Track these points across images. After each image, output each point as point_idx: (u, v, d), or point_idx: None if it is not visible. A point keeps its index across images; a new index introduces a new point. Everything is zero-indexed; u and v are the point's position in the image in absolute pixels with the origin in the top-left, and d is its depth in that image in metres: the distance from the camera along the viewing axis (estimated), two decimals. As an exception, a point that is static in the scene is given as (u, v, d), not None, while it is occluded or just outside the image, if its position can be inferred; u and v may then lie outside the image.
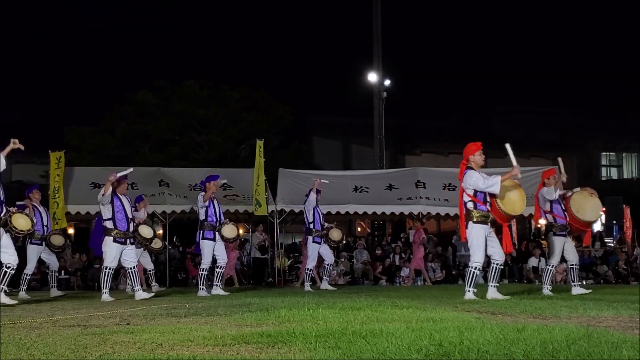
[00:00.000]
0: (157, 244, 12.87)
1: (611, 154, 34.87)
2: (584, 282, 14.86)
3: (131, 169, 10.41)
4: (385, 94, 23.93)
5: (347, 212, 17.39)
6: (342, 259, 18.06)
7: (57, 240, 12.25)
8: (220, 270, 11.11)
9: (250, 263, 18.02)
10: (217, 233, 10.92)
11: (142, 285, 10.46)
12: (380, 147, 24.02)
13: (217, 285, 11.00)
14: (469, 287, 8.00)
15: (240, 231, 13.12)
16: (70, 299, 10.33)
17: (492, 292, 8.01)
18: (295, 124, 30.23)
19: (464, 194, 8.08)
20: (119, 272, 16.93)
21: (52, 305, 8.15)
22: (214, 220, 10.91)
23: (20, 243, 10.57)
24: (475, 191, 8.00)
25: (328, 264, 13.10)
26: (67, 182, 16.31)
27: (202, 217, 10.95)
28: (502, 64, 42.75)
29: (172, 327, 4.79)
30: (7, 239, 8.42)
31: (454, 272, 18.46)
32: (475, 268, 8.00)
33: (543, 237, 18.33)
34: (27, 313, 6.73)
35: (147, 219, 13.02)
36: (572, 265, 9.62)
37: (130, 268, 9.85)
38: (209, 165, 21.96)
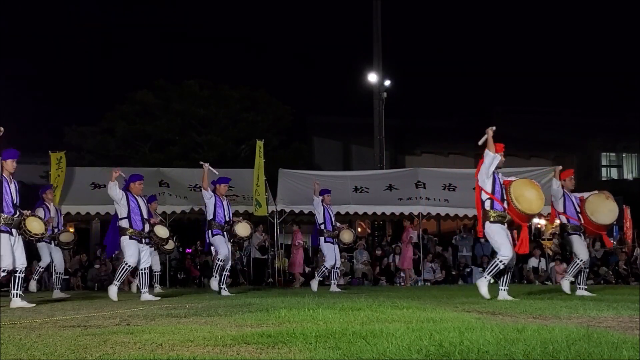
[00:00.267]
0: (169, 245, 12.74)
1: (611, 154, 34.86)
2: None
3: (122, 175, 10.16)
4: (385, 94, 23.94)
5: (347, 213, 17.38)
6: (342, 260, 18.05)
7: (66, 237, 12.27)
8: (226, 270, 10.92)
9: (251, 263, 18.02)
10: (225, 233, 10.85)
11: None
12: (380, 148, 24.02)
13: (222, 287, 10.85)
14: (487, 275, 8.11)
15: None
16: (70, 300, 10.34)
17: (503, 295, 8.00)
18: (295, 124, 30.20)
19: (482, 192, 8.08)
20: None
21: (52, 306, 8.15)
22: (223, 221, 10.85)
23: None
24: (493, 187, 8.01)
25: (336, 267, 12.73)
26: (67, 183, 16.31)
27: (210, 216, 10.81)
28: (502, 64, 42.73)
29: (172, 327, 4.79)
30: (17, 243, 8.34)
31: (453, 273, 18.46)
32: (501, 262, 7.95)
33: (548, 238, 18.35)
34: (27, 313, 6.73)
35: (162, 220, 13.01)
36: (579, 260, 9.55)
37: (143, 269, 9.88)
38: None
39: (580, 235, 9.51)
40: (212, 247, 11.33)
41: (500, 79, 41.58)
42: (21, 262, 8.39)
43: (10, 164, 8.33)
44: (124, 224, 9.57)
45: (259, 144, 17.15)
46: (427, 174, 18.37)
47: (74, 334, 4.45)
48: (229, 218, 10.96)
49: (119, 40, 43.40)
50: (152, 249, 12.18)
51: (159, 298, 9.74)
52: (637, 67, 33.51)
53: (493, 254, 18.32)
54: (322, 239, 12.43)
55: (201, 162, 11.12)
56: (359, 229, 24.45)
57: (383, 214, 18.11)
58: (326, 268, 12.49)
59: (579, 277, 9.59)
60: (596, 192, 9.80)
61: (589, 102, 35.57)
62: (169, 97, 27.78)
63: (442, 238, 21.32)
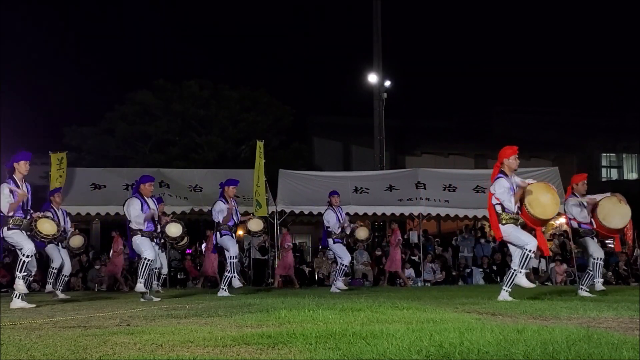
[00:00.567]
0: (183, 240, 12.52)
1: (611, 154, 34.84)
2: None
3: None
4: (385, 94, 23.94)
5: (348, 213, 17.31)
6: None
7: (76, 241, 12.23)
8: (234, 261, 10.88)
9: (251, 264, 18.02)
10: (233, 235, 10.86)
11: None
12: (381, 148, 24.02)
13: (223, 287, 10.82)
14: (522, 268, 8.01)
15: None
16: (70, 300, 10.34)
17: (504, 295, 7.99)
18: (295, 124, 30.23)
19: (493, 197, 8.05)
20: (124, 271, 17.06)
21: (53, 307, 8.15)
22: (233, 222, 10.85)
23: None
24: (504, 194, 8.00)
25: (344, 265, 12.56)
26: (68, 183, 16.31)
27: (218, 220, 10.82)
28: (502, 64, 42.77)
29: (172, 328, 4.79)
30: (19, 234, 8.20)
31: (454, 273, 18.46)
32: (530, 250, 7.88)
33: (549, 238, 18.29)
34: (27, 314, 6.73)
35: (174, 218, 12.98)
36: (597, 259, 9.47)
37: (154, 269, 9.88)
38: (209, 166, 21.99)
39: (592, 238, 9.42)
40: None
41: (500, 79, 41.65)
42: (32, 247, 8.34)
43: (23, 166, 8.23)
44: (135, 225, 9.55)
45: (259, 144, 17.15)
46: (427, 174, 18.39)
47: (74, 335, 4.45)
48: (238, 220, 10.97)
49: (119, 40, 43.42)
50: (160, 250, 12.20)
51: (159, 299, 9.73)
52: (637, 67, 33.50)
53: (493, 254, 18.50)
54: (331, 240, 12.35)
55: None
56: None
57: (383, 214, 18.12)
58: (345, 266, 12.45)
59: (583, 278, 9.53)
60: (608, 194, 9.58)
61: (589, 102, 35.61)
62: (168, 97, 27.79)
63: (442, 239, 21.32)
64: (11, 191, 8.08)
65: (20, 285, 8.12)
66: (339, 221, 12.28)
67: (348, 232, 12.50)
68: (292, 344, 3.82)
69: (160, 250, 12.06)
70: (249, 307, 6.63)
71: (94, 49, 41.60)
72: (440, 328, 4.31)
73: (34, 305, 8.18)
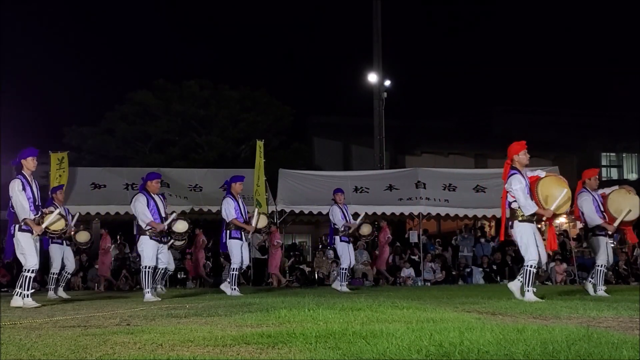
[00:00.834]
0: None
1: (611, 154, 34.86)
2: (584, 282, 14.79)
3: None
4: (385, 94, 23.94)
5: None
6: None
7: (83, 237, 12.17)
8: (235, 273, 10.81)
9: (251, 263, 18.00)
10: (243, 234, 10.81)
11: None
12: (381, 148, 24.02)
13: (232, 287, 10.72)
14: (528, 286, 7.74)
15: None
16: (70, 300, 10.34)
17: (529, 295, 7.75)
18: (295, 124, 30.21)
19: (508, 195, 8.01)
20: (120, 270, 17.06)
21: (53, 306, 8.15)
22: (242, 220, 10.80)
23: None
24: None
25: (343, 269, 12.37)
26: (68, 183, 16.28)
27: (231, 218, 10.73)
28: (502, 63, 42.73)
29: (172, 327, 4.79)
30: (29, 242, 8.11)
31: (454, 273, 18.46)
32: (531, 266, 7.76)
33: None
34: (27, 314, 6.73)
35: (181, 216, 12.94)
36: (599, 266, 9.43)
37: (161, 269, 9.85)
38: (209, 166, 21.99)
39: (605, 236, 9.37)
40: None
41: (500, 79, 41.61)
42: (34, 262, 8.18)
43: (31, 162, 8.17)
44: (143, 224, 9.53)
45: (259, 144, 17.15)
46: (427, 174, 18.39)
47: (74, 334, 4.45)
48: (246, 217, 10.93)
49: (119, 40, 43.43)
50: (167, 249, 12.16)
51: (160, 299, 9.73)
52: (637, 67, 33.47)
53: (493, 253, 18.49)
54: (337, 238, 12.25)
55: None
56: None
57: (383, 214, 18.11)
58: (344, 269, 12.27)
59: (596, 277, 9.47)
60: (616, 187, 9.56)
61: (589, 102, 35.55)
62: (169, 97, 27.79)
63: (442, 238, 21.33)
64: (23, 187, 8.04)
65: (29, 301, 7.96)
66: (345, 218, 12.24)
67: (357, 226, 12.29)
68: (292, 344, 3.82)
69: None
70: (248, 307, 6.62)
71: (94, 49, 41.54)
72: (440, 327, 4.31)
73: (40, 305, 8.05)
